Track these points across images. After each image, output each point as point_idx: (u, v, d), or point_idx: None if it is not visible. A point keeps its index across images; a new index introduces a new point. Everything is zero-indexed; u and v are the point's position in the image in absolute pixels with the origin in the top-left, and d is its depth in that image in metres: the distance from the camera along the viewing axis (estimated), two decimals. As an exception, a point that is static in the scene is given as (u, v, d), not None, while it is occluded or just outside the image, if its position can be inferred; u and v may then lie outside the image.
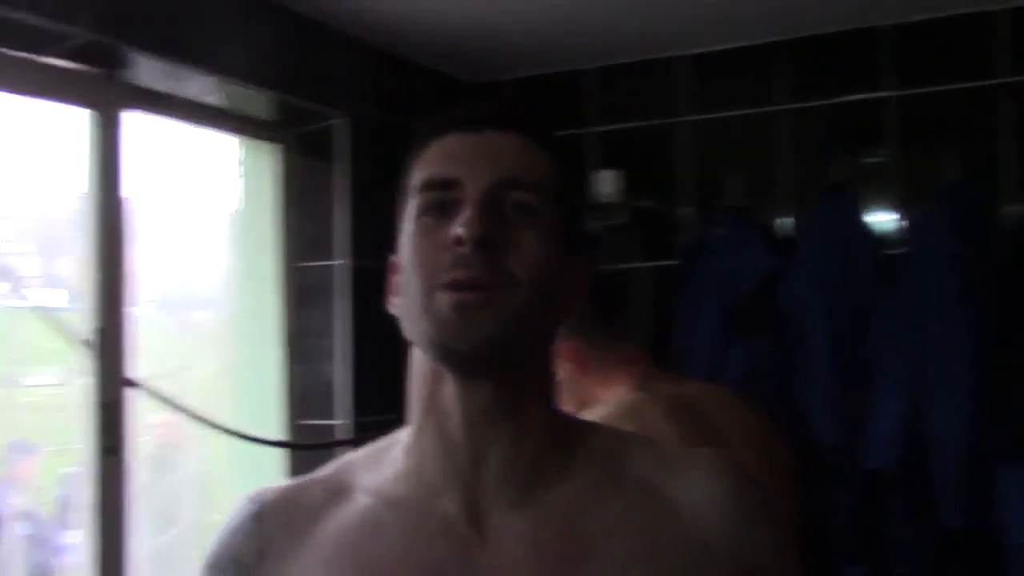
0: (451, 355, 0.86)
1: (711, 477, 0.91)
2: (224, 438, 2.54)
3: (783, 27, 2.95)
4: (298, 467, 2.83)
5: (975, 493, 2.55)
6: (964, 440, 2.55)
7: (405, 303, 0.90)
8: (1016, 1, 2.73)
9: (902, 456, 2.57)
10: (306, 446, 2.81)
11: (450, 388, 0.89)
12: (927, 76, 2.85)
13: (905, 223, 2.85)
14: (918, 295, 2.63)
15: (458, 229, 0.85)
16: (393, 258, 0.95)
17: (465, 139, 0.91)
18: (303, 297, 2.90)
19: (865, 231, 2.82)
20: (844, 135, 2.97)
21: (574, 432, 0.95)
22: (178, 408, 2.42)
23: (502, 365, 0.88)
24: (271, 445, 2.75)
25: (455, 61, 3.23)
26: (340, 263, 2.84)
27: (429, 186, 0.90)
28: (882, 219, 2.89)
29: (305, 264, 2.89)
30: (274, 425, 2.85)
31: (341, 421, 2.84)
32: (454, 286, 0.85)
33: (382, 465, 0.94)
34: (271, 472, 2.80)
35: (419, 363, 0.92)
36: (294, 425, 2.87)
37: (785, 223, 3.01)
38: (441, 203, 0.89)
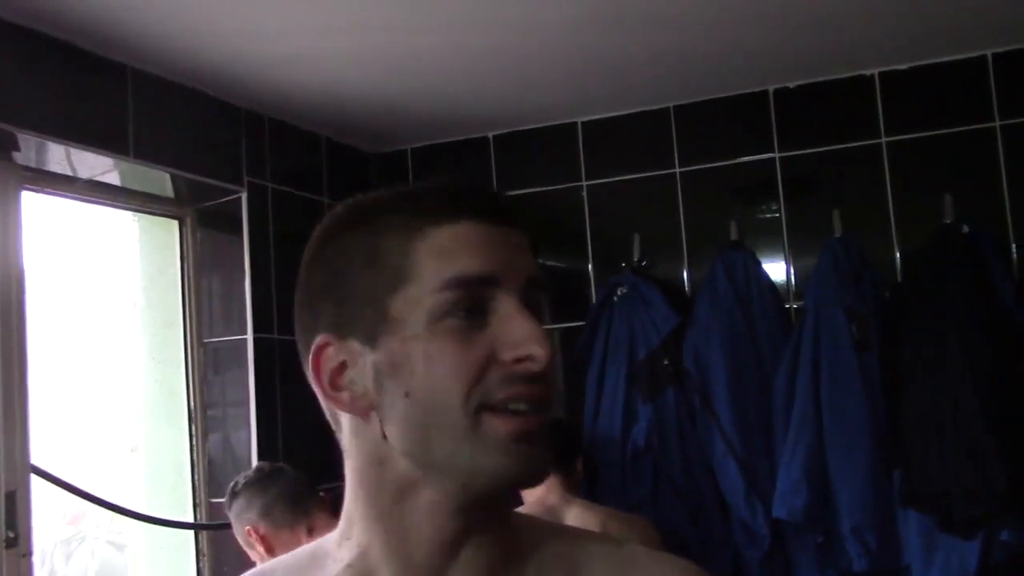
0: (507, 486, 0.79)
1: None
2: (132, 522, 2.48)
3: (681, 92, 3.06)
4: (211, 548, 2.78)
5: (878, 538, 2.63)
6: (864, 487, 2.64)
7: (425, 416, 0.77)
8: (888, 65, 2.90)
9: (807, 505, 2.63)
10: (214, 526, 2.76)
11: (428, 507, 0.80)
12: (812, 136, 2.99)
13: (796, 277, 2.97)
14: (813, 347, 2.72)
15: (530, 346, 0.76)
16: (326, 340, 0.81)
17: (490, 230, 0.79)
18: (211, 372, 2.87)
19: (762, 286, 2.92)
20: (740, 194, 3.08)
21: (529, 537, 0.86)
22: (83, 495, 2.36)
23: None
24: (178, 527, 2.69)
25: (357, 132, 3.26)
26: (247, 336, 2.82)
27: (460, 283, 0.77)
28: (777, 273, 2.99)
29: (213, 340, 2.86)
30: (185, 505, 2.79)
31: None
32: (513, 410, 0.76)
33: None
34: (184, 554, 2.74)
35: (379, 472, 0.81)
36: (206, 504, 2.82)
37: (686, 280, 3.10)
38: (473, 303, 0.77)
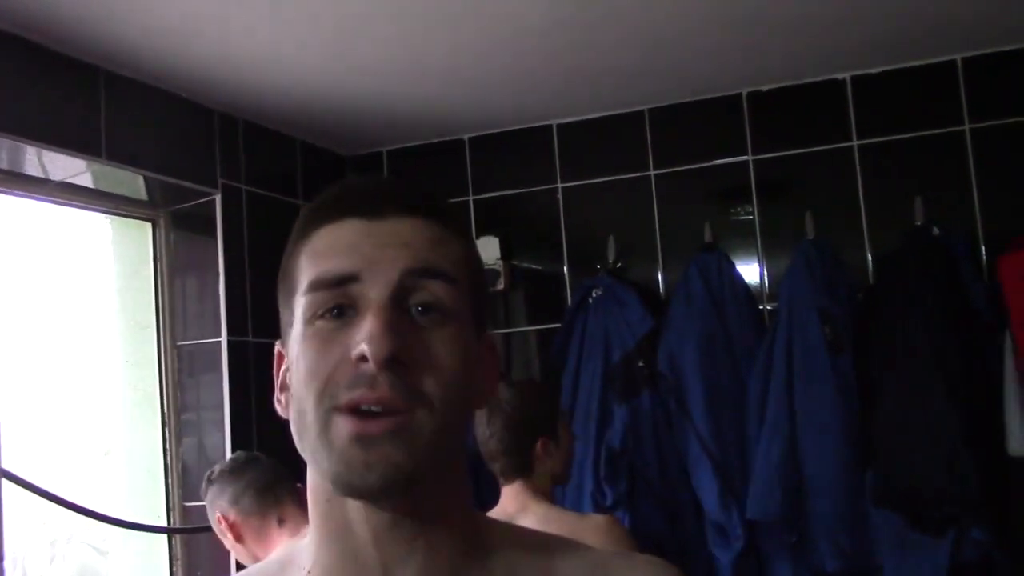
0: (352, 491, 0.76)
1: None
2: (109, 529, 2.46)
3: (656, 95, 3.08)
4: (185, 551, 2.77)
5: (851, 538, 2.65)
6: (837, 487, 2.66)
7: (297, 417, 0.78)
8: (860, 69, 2.92)
9: (781, 506, 2.65)
10: (187, 530, 2.75)
11: (351, 504, 0.79)
12: (785, 139, 3.02)
13: (770, 279, 2.99)
14: (787, 348, 2.74)
15: (361, 346, 0.74)
16: (280, 348, 0.84)
17: (365, 226, 0.78)
18: (185, 375, 2.85)
19: (735, 288, 2.94)
20: (714, 196, 3.10)
21: (493, 539, 0.85)
22: (55, 499, 2.34)
23: (411, 493, 0.77)
24: (151, 531, 2.68)
25: (332, 135, 3.26)
26: (221, 340, 2.81)
27: (321, 285, 0.77)
28: (750, 275, 3.02)
29: (187, 343, 2.85)
30: (159, 508, 2.78)
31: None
32: (355, 411, 0.74)
33: None
34: (158, 558, 2.73)
35: (310, 475, 0.81)
36: (180, 507, 2.81)
37: (661, 282, 3.11)
38: (337, 304, 0.76)
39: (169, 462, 2.81)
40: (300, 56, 2.56)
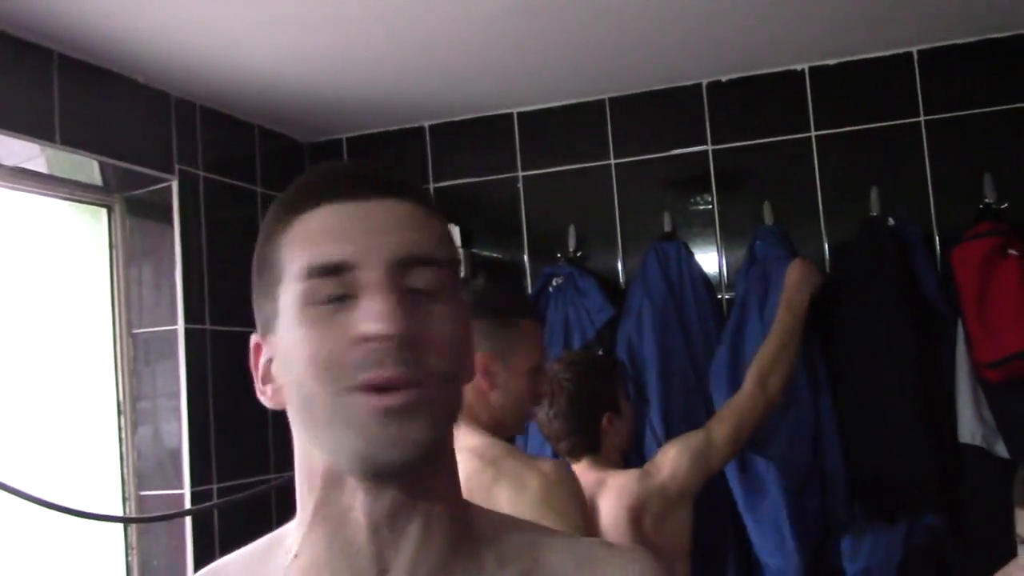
0: (372, 468, 0.77)
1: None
2: (62, 518, 2.43)
3: (616, 84, 3.08)
4: (140, 541, 2.74)
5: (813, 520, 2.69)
6: (798, 474, 2.69)
7: (302, 403, 0.79)
8: (818, 61, 2.95)
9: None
10: (143, 519, 2.72)
11: (352, 491, 0.80)
12: (744, 129, 3.04)
13: (728, 268, 3.02)
14: (743, 337, 2.76)
15: (369, 325, 0.75)
16: (258, 339, 0.84)
17: (350, 210, 0.79)
18: (141, 363, 2.82)
19: (694, 276, 2.96)
20: (674, 185, 3.12)
21: (484, 528, 0.86)
22: (5, 488, 2.30)
23: (420, 472, 0.79)
24: (107, 520, 2.64)
25: (291, 121, 3.23)
26: (178, 327, 2.78)
27: (317, 272, 0.78)
28: (709, 264, 3.04)
29: (143, 330, 2.82)
30: (114, 498, 2.75)
31: (179, 491, 2.76)
32: (373, 388, 0.75)
33: (265, 572, 0.85)
34: (113, 548, 2.70)
35: (308, 462, 0.82)
36: (136, 497, 2.78)
37: (621, 271, 3.13)
38: (336, 286, 0.78)
39: (124, 451, 2.78)
40: (258, 41, 2.53)
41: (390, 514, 0.80)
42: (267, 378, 0.83)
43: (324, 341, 0.77)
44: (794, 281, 2.56)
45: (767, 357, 2.41)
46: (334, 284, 0.77)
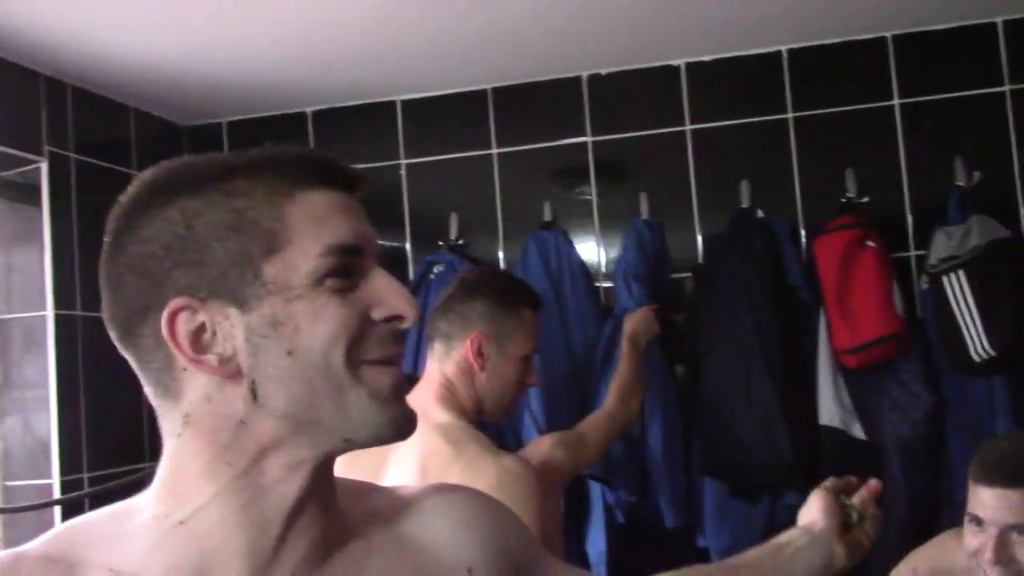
0: (373, 440, 0.83)
1: (451, 505, 0.94)
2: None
3: (499, 75, 3.12)
4: (8, 532, 2.66)
5: (687, 500, 2.80)
6: (670, 455, 2.79)
7: (318, 373, 0.80)
8: (693, 56, 3.04)
9: (629, 470, 2.77)
10: (11, 509, 2.65)
11: (284, 466, 0.82)
12: (623, 122, 3.11)
13: (606, 257, 3.09)
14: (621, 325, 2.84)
15: (403, 306, 0.84)
16: (179, 304, 0.79)
17: (345, 200, 0.86)
18: (9, 351, 2.73)
19: (573, 265, 3.02)
20: (554, 176, 3.17)
21: (351, 511, 0.91)
22: None
23: None
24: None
25: (168, 104, 3.16)
26: (47, 313, 2.71)
27: (339, 250, 0.82)
28: (588, 253, 3.10)
29: (10, 316, 2.73)
30: (-22, 489, 2.67)
31: (49, 481, 2.69)
32: (389, 362, 0.84)
33: (124, 539, 0.82)
34: (-25, 540, 2.62)
35: (237, 434, 0.81)
36: (3, 487, 2.69)
37: (501, 259, 3.17)
38: (345, 266, 0.82)
39: (-9, 441, 2.70)
40: (132, 21, 2.48)
41: (308, 492, 0.83)
42: (201, 347, 0.80)
43: (351, 315, 0.82)
44: (634, 329, 2.64)
45: (624, 386, 2.50)
46: (353, 264, 0.83)
